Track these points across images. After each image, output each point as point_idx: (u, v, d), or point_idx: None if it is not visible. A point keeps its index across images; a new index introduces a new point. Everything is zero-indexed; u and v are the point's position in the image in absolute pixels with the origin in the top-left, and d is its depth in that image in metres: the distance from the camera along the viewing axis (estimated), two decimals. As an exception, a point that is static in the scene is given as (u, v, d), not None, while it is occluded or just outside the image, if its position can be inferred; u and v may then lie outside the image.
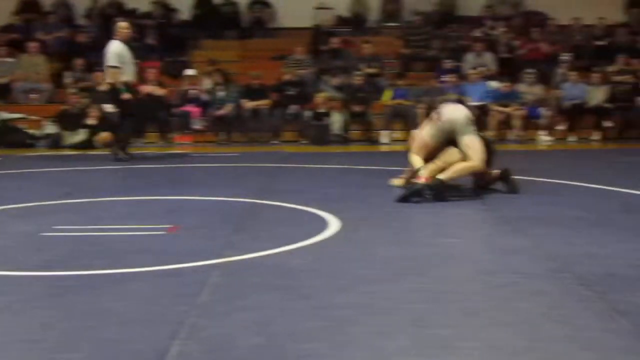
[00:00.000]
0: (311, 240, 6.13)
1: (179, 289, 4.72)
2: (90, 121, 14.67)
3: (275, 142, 15.23)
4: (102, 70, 12.46)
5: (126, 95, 11.81)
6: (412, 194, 7.86)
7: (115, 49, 11.85)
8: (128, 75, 11.93)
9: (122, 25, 12.11)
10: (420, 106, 15.06)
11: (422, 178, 7.97)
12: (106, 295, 4.64)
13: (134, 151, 12.74)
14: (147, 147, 13.17)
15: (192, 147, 15.02)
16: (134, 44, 12.45)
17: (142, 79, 12.36)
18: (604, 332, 3.97)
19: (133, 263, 5.42)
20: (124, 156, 12.07)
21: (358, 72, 15.92)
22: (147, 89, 12.37)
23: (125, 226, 6.79)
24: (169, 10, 18.34)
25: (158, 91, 14.90)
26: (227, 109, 15.47)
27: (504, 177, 8.52)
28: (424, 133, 8.37)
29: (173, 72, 16.94)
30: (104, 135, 13.89)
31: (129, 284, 4.89)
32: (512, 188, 8.41)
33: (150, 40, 17.51)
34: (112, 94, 12.00)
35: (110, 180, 10.24)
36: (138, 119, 12.57)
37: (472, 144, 8.16)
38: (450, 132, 8.23)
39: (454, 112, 8.32)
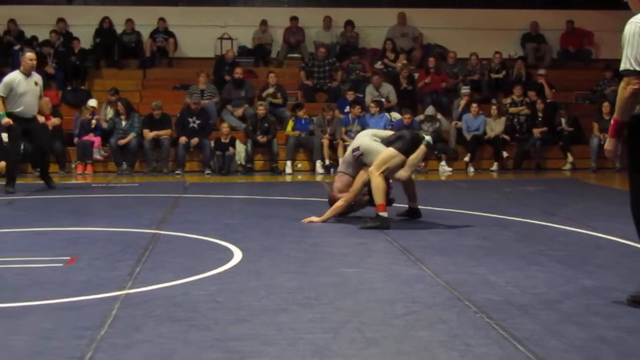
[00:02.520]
0: (213, 271, 6.11)
1: (78, 323, 4.64)
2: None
3: (179, 172, 15.13)
4: None
5: (5, 120, 11.49)
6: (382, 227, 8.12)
7: (7, 79, 11.65)
8: (22, 105, 11.58)
9: (27, 56, 11.87)
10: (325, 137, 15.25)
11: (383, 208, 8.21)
12: (2, 330, 4.53)
13: (36, 182, 12.52)
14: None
15: (92, 177, 14.81)
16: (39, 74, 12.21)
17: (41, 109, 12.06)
18: (503, 359, 4.06)
19: (30, 296, 5.30)
20: (10, 189, 11.59)
21: (261, 103, 15.96)
22: (40, 118, 12.07)
23: (22, 258, 6.65)
24: (70, 38, 18.07)
25: (52, 121, 14.50)
26: (128, 139, 15.33)
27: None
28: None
29: (73, 101, 16.72)
30: (1, 164, 13.53)
31: (26, 318, 4.78)
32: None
33: (50, 68, 17.23)
34: None
35: (6, 210, 9.99)
36: (35, 149, 12.36)
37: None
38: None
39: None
